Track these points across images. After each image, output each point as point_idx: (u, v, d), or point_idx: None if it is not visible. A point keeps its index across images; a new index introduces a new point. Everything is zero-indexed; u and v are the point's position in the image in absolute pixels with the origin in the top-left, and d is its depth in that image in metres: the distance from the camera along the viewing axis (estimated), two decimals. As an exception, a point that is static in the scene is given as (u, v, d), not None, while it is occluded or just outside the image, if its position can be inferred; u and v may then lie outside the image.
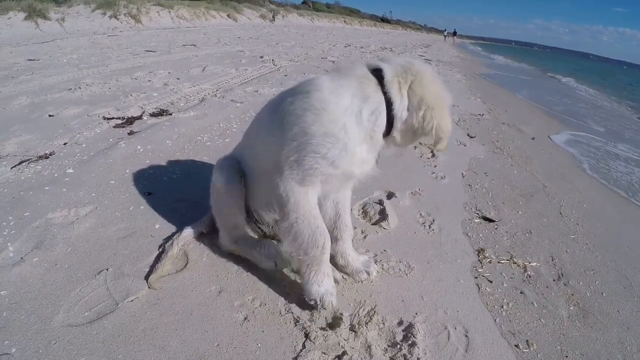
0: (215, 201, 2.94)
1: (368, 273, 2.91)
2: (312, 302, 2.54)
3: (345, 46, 24.49)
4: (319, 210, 2.52)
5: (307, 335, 2.37)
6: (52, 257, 2.85)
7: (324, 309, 2.53)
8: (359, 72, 2.37)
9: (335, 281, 2.77)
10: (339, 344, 2.33)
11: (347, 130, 2.25)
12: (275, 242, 2.91)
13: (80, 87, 7.73)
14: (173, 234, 3.13)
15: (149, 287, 2.62)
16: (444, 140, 2.40)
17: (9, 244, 2.94)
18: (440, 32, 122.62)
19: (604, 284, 3.32)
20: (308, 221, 2.41)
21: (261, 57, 14.53)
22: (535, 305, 2.93)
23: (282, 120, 2.37)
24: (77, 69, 9.65)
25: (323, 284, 2.54)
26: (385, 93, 2.31)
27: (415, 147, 5.79)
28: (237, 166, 2.89)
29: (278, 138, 2.39)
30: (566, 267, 3.47)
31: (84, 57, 11.63)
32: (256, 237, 3.15)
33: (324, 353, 2.27)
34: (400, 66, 2.37)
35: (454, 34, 77.92)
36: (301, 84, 2.44)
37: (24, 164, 4.29)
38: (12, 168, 4.17)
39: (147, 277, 2.70)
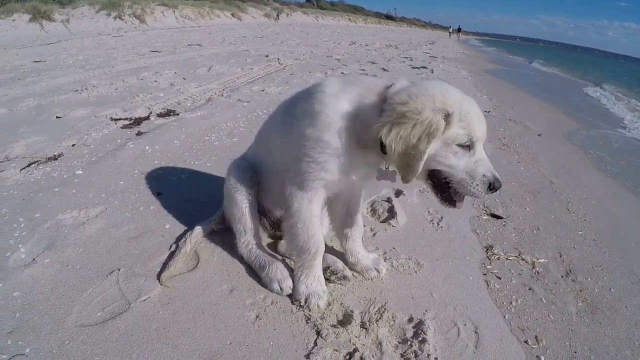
0: (228, 204, 2.96)
1: (378, 271, 2.94)
2: (297, 302, 2.61)
3: (350, 44, 24.47)
4: (319, 218, 2.59)
5: (318, 333, 2.39)
6: (63, 258, 2.88)
7: (309, 309, 2.57)
8: (368, 80, 2.36)
9: (346, 278, 2.81)
10: (350, 341, 2.35)
11: (342, 135, 2.23)
12: (284, 263, 2.87)
13: (87, 88, 7.79)
14: (185, 232, 3.16)
15: (161, 285, 2.65)
16: (397, 166, 2.17)
17: (20, 246, 2.98)
18: (445, 28, 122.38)
19: (612, 280, 3.32)
20: (306, 228, 2.51)
21: (266, 56, 14.56)
22: (544, 302, 2.94)
23: (291, 121, 2.41)
24: (83, 70, 9.72)
25: (311, 286, 2.63)
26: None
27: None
28: (248, 168, 2.91)
29: (286, 140, 2.44)
30: (574, 264, 3.47)
31: (89, 58, 11.69)
32: (267, 236, 3.20)
33: (336, 350, 2.29)
34: (416, 82, 2.28)
35: (459, 30, 78.48)
36: (313, 85, 2.45)
37: (33, 165, 4.33)
38: (21, 170, 4.21)
39: (159, 275, 2.73)
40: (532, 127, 8.32)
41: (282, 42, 21.45)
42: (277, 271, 2.75)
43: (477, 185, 2.19)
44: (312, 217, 2.50)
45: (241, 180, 2.86)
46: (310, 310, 2.55)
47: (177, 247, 3.00)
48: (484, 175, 2.20)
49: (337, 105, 2.24)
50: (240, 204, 2.83)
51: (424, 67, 15.70)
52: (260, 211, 3.01)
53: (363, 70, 13.08)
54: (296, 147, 2.34)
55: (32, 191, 3.76)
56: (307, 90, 2.45)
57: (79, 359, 2.13)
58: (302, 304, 2.58)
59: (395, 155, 2.08)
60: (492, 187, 2.21)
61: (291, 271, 2.77)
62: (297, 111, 2.39)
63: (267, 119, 2.96)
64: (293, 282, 2.67)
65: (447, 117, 2.06)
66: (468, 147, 2.17)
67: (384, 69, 13.91)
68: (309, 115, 2.29)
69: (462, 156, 2.17)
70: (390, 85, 2.25)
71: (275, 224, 3.08)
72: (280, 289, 2.69)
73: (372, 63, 15.40)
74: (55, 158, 4.56)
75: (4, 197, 3.65)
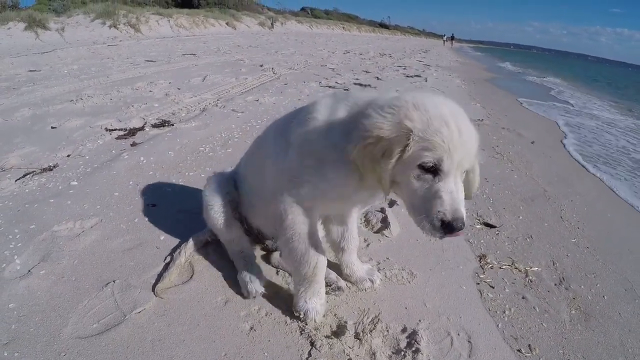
0: (207, 217, 3.00)
1: (372, 281, 2.95)
2: (296, 315, 2.60)
3: (344, 53, 24.57)
4: (317, 231, 2.52)
5: (312, 344, 2.40)
6: (59, 269, 2.88)
7: (305, 322, 2.57)
8: (357, 95, 2.32)
9: (340, 289, 2.83)
10: (344, 352, 2.36)
11: (342, 162, 2.16)
12: (258, 267, 2.91)
13: (81, 98, 7.79)
14: (179, 244, 3.17)
15: (156, 296, 2.66)
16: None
17: (15, 257, 2.98)
18: (439, 36, 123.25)
19: (605, 287, 3.34)
20: (303, 240, 2.43)
21: (261, 65, 14.60)
22: (537, 310, 2.96)
23: (286, 142, 2.40)
24: (78, 80, 9.73)
25: (311, 301, 2.58)
26: None
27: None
28: (225, 184, 2.98)
29: (281, 165, 2.41)
30: (567, 271, 3.49)
31: (84, 67, 11.71)
32: (261, 248, 3.23)
33: (330, 361, 2.30)
34: (401, 93, 2.18)
35: (452, 38, 79.41)
36: (306, 106, 2.45)
37: (28, 176, 4.34)
38: (16, 181, 4.21)
39: (154, 287, 2.74)
40: (525, 135, 8.37)
41: (276, 51, 21.51)
42: (248, 275, 2.78)
43: (429, 220, 1.93)
44: (309, 227, 2.43)
45: (216, 192, 2.95)
46: (306, 323, 2.56)
47: (171, 258, 3.01)
48: (439, 210, 1.90)
49: (331, 133, 2.21)
50: (217, 216, 2.91)
51: (417, 76, 15.73)
52: (250, 229, 3.05)
53: (357, 79, 13.11)
54: (294, 174, 2.31)
55: (28, 202, 3.77)
56: (300, 113, 2.44)
57: (75, 371, 2.14)
58: (301, 318, 2.57)
59: (365, 171, 2.03)
60: (448, 227, 1.89)
61: (261, 274, 2.84)
62: (292, 138, 2.37)
63: (256, 141, 2.96)
64: (294, 295, 2.65)
65: (408, 135, 1.90)
66: (433, 172, 1.94)
67: (378, 78, 13.95)
68: (305, 145, 2.27)
69: (423, 181, 1.96)
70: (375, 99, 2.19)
71: (263, 236, 3.12)
72: (248, 293, 2.72)
73: (366, 72, 15.45)
74: (50, 169, 4.56)
75: (-1, 208, 3.65)
